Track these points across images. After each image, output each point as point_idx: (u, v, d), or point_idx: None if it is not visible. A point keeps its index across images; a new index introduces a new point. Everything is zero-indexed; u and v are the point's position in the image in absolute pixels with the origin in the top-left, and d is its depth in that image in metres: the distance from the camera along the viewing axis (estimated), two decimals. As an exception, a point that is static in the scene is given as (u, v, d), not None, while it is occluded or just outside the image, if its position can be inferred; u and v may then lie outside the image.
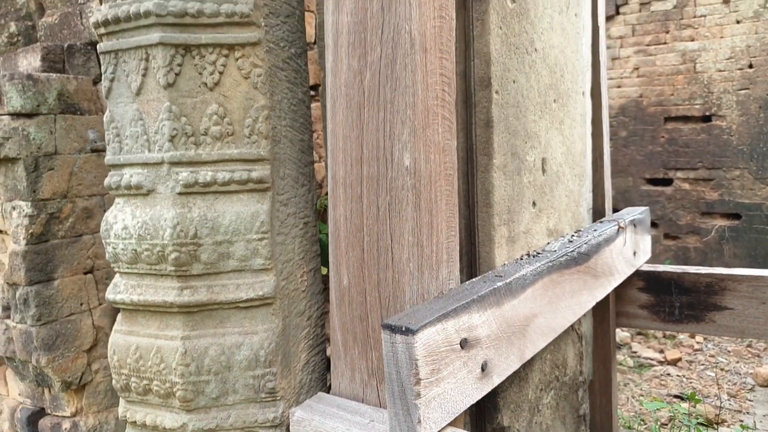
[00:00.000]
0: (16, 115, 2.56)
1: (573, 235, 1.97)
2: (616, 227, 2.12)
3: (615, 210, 6.96)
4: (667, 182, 6.64)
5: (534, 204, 1.84)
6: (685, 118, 6.47)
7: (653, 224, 6.69)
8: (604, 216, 2.44)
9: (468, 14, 1.58)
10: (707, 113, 6.31)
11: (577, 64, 2.13)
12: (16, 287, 2.77)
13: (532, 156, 1.80)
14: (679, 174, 6.51)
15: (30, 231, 2.63)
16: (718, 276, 2.29)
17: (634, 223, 2.30)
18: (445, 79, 1.35)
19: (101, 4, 1.41)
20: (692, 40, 6.35)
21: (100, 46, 1.42)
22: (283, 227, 1.45)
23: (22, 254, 2.70)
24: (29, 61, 2.84)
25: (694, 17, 6.32)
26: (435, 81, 1.32)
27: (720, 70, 6.20)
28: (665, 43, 6.51)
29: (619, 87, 6.83)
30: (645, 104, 6.66)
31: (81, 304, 2.87)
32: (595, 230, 2.03)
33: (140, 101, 1.36)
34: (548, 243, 1.90)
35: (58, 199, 2.68)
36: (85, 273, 2.96)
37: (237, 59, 1.37)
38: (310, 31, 3.31)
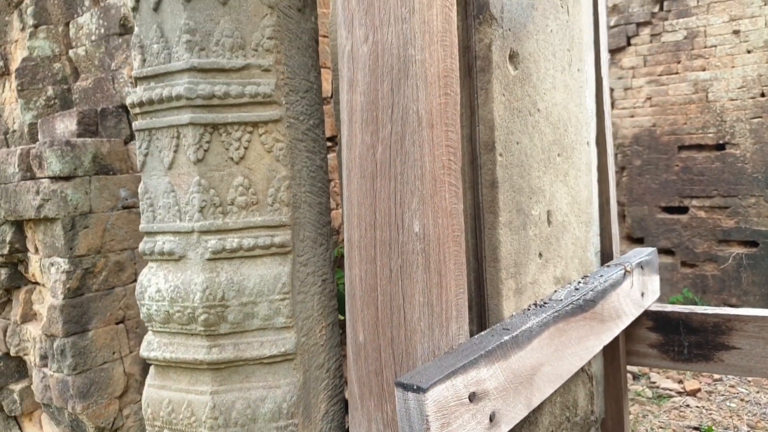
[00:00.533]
0: (55, 178, 2.74)
1: (580, 282, 2.06)
2: (623, 271, 2.20)
3: (633, 238, 6.92)
4: (683, 210, 6.67)
5: (540, 255, 1.93)
6: (699, 147, 6.51)
7: (669, 252, 6.70)
8: (612, 258, 2.52)
9: (473, 83, 1.70)
10: (721, 141, 6.35)
11: (581, 116, 2.24)
12: (54, 338, 2.93)
13: (537, 210, 1.90)
14: (695, 202, 6.54)
15: (67, 286, 2.79)
16: (724, 316, 2.36)
17: (641, 265, 2.38)
18: (450, 149, 1.46)
19: (136, 86, 1.56)
20: (704, 69, 6.42)
21: (135, 125, 1.56)
22: (303, 286, 1.56)
23: (60, 308, 2.86)
24: (66, 125, 3.03)
25: (705, 47, 6.41)
26: (441, 152, 1.43)
27: (732, 99, 6.26)
28: (677, 73, 6.59)
29: (632, 117, 6.91)
30: (658, 133, 6.73)
31: (113, 353, 3.01)
32: (601, 276, 2.11)
33: (172, 175, 1.49)
34: (555, 291, 1.99)
35: (93, 255, 2.84)
36: (117, 323, 3.11)
37: (261, 135, 1.49)
38: (327, 87, 3.46)
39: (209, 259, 1.46)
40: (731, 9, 6.26)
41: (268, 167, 1.50)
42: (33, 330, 3.19)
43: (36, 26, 3.65)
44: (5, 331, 3.41)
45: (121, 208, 3.02)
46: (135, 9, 1.52)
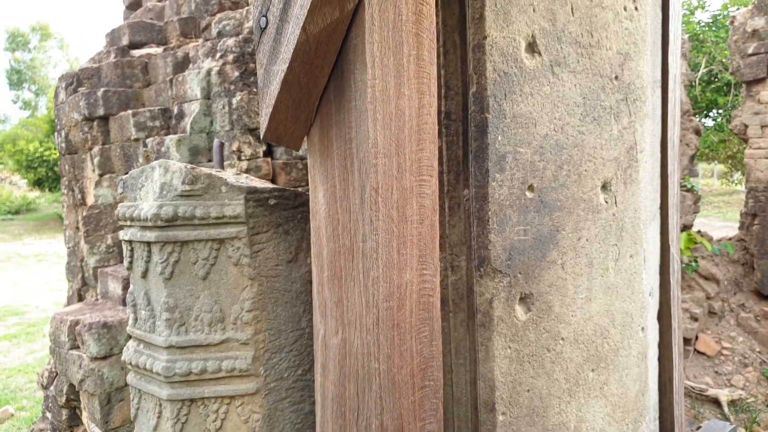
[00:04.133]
0: (93, 358, 2.97)
1: (613, 507, 1.86)
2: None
3: (762, 294, 6.18)
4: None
5: (559, 491, 1.76)
6: None
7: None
8: (674, 441, 2.25)
9: (473, 337, 1.56)
10: None
11: (632, 307, 1.99)
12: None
13: (556, 447, 1.73)
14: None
15: (103, 455, 3.04)
16: None
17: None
18: (427, 445, 1.36)
19: (131, 339, 1.60)
20: None
21: (129, 379, 1.61)
22: None
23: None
24: (114, 286, 3.24)
25: None
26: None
27: None
28: (827, 111, 5.71)
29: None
30: (800, 179, 5.90)
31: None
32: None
33: (157, 435, 1.53)
34: None
35: (127, 425, 3.05)
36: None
37: (237, 407, 1.48)
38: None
39: None
40: None
41: (245, 439, 1.49)
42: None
43: (101, 175, 3.93)
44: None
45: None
46: (129, 268, 1.55)
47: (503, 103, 1.49)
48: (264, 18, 1.27)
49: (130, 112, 4.03)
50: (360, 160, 1.25)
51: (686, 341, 6.70)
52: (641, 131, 1.95)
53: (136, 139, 3.86)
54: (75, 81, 4.61)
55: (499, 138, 1.49)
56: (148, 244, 1.44)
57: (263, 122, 1.32)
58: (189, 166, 1.42)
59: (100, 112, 4.23)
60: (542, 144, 1.59)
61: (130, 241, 1.51)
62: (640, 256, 2.03)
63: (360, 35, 1.22)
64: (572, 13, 1.65)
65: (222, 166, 1.76)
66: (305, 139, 1.42)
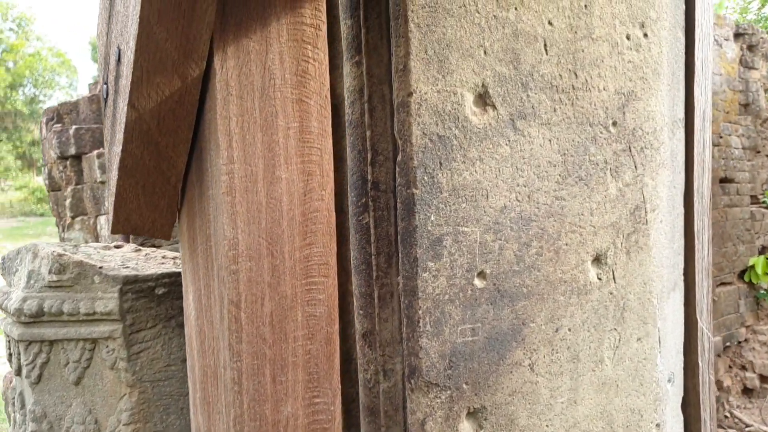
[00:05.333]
0: None
1: None
2: None
3: None
4: None
5: None
6: None
7: None
8: None
9: (407, 458, 1.26)
10: None
11: (641, 399, 1.62)
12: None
13: None
14: None
15: None
16: None
17: None
18: None
19: None
20: None
21: None
22: None
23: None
24: None
25: None
26: None
27: None
28: None
29: None
30: None
31: None
32: None
33: None
34: None
35: None
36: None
37: None
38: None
39: None
40: None
41: None
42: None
43: (73, 217, 3.83)
44: None
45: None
46: (9, 361, 1.36)
47: (437, 174, 1.17)
48: (105, 86, 1.02)
49: (95, 152, 3.88)
50: (218, 264, 0.98)
51: (763, 378, 5.99)
52: (652, 185, 1.57)
53: (102, 182, 3.75)
54: (55, 116, 4.52)
55: (433, 218, 1.18)
56: (16, 341, 1.24)
57: (109, 212, 1.08)
58: (58, 251, 1.21)
59: (72, 150, 4.07)
60: (498, 219, 1.26)
61: (7, 333, 1.33)
62: (653, 338, 1.65)
63: (213, 108, 0.95)
64: (545, 50, 1.31)
65: (127, 239, 1.55)
66: (177, 226, 1.17)
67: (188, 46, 0.90)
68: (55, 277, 1.25)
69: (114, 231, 1.14)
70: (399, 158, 1.18)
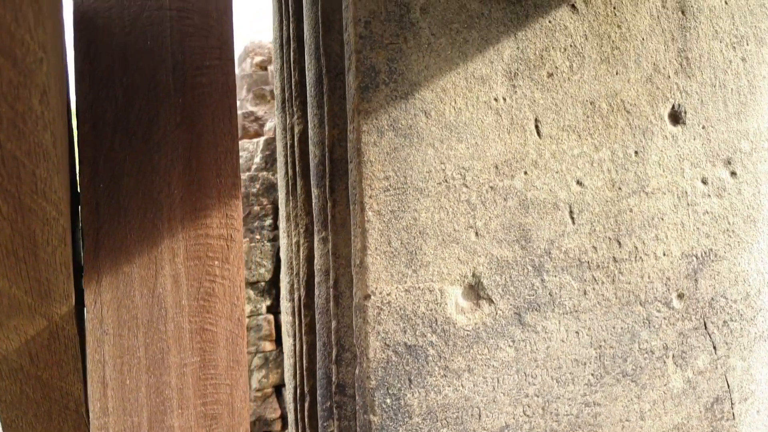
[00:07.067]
0: None
1: None
2: None
3: None
4: None
5: None
6: None
7: None
8: None
9: None
10: None
11: None
12: None
13: None
14: None
15: None
16: None
17: None
18: None
19: None
20: None
21: None
22: None
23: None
24: None
25: None
26: None
27: None
28: None
29: None
30: None
31: None
32: None
33: None
34: None
35: None
36: None
37: None
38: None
39: None
40: None
41: None
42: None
43: None
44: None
45: None
46: None
47: (405, 394, 0.92)
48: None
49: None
50: None
51: None
52: (743, 368, 1.18)
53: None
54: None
55: (398, 451, 0.92)
56: None
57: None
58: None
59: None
60: (495, 444, 0.97)
61: None
62: None
63: (87, 350, 0.79)
64: (571, 219, 1.00)
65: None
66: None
67: (41, 288, 0.73)
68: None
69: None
70: (357, 372, 0.94)
